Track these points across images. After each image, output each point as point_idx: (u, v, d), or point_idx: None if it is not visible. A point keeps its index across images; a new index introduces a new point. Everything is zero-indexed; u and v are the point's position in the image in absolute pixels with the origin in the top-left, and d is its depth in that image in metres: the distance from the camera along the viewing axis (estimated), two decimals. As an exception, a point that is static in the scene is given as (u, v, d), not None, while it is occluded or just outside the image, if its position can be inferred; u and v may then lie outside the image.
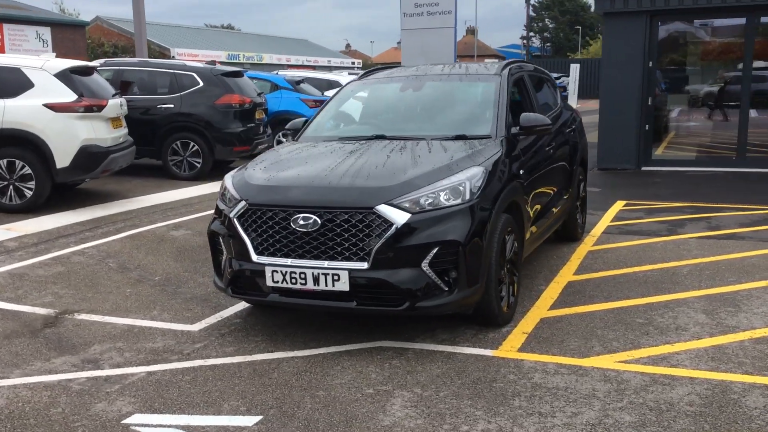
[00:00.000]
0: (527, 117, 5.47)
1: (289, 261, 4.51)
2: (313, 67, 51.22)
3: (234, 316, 5.37)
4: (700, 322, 4.95)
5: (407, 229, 4.31)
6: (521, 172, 5.24)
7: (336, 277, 4.37)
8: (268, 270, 4.54)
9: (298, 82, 15.11)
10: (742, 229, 7.90)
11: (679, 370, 4.16)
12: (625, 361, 4.32)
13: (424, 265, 4.34)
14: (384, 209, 4.34)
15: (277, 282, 4.53)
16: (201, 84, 11.87)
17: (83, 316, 5.47)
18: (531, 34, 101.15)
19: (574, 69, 39.66)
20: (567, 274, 6.21)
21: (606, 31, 12.99)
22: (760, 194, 10.07)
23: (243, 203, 4.71)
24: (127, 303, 5.76)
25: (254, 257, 4.62)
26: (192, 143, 11.83)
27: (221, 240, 4.90)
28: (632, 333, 4.78)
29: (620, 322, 5.00)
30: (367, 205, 4.37)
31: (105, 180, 11.16)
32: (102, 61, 12.43)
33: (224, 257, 4.89)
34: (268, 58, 51.70)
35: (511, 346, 4.60)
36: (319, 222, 4.41)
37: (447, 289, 4.40)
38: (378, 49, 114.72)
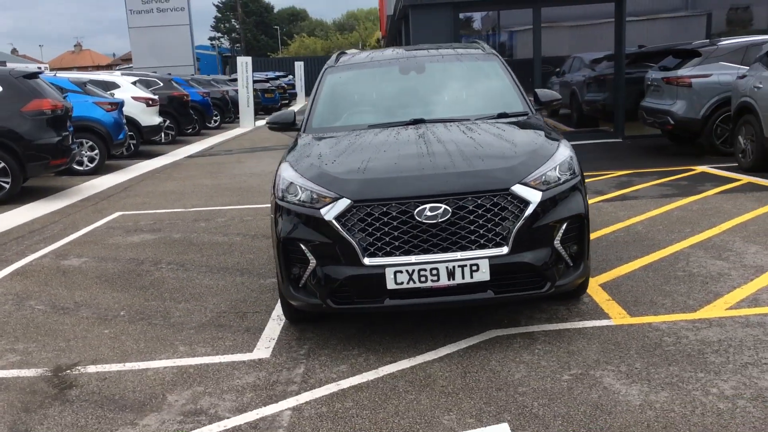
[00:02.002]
0: (544, 93, 5.55)
1: (412, 258, 4.07)
2: None
3: (288, 336, 4.72)
4: (730, 267, 5.45)
5: (541, 207, 4.14)
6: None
7: (474, 268, 4.05)
8: (389, 271, 4.06)
9: (85, 84, 13.37)
10: (622, 191, 8.79)
11: (787, 307, 4.57)
12: (732, 308, 4.62)
13: (556, 243, 4.21)
14: (520, 189, 4.12)
15: (401, 283, 4.07)
16: (0, 89, 9.98)
17: (93, 369, 4.41)
18: (219, 35, 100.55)
19: (299, 67, 40.41)
20: (552, 246, 6.40)
21: (413, 23, 13.47)
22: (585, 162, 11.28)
23: (345, 201, 4.13)
24: (130, 346, 4.75)
25: (365, 260, 4.09)
26: (-4, 160, 9.92)
27: (304, 247, 4.24)
28: (694, 284, 5.11)
29: (670, 277, 5.31)
30: (502, 186, 4.11)
31: None
32: None
33: (310, 267, 4.25)
34: (-61, 67, 44.92)
35: (618, 313, 4.66)
36: (450, 210, 4.05)
37: (572, 264, 4.33)
38: (50, 54, 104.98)
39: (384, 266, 4.07)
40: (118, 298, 5.75)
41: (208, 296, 5.67)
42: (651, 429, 3.22)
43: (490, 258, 4.06)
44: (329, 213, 4.15)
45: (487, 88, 5.63)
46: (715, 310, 4.60)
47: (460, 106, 5.45)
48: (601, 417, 3.35)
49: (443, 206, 4.04)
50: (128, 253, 7.16)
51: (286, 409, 3.70)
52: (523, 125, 4.96)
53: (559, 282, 4.23)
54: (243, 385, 4.03)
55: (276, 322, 5.00)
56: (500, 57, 5.86)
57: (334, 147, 4.73)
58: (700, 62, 11.64)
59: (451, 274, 4.05)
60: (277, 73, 39.15)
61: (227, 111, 24.88)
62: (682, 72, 11.67)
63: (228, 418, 3.66)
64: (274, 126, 5.61)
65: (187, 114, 19.06)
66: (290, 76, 42.76)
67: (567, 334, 4.38)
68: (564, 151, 4.46)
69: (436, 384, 3.84)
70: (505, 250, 4.08)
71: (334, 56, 6.17)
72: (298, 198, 4.34)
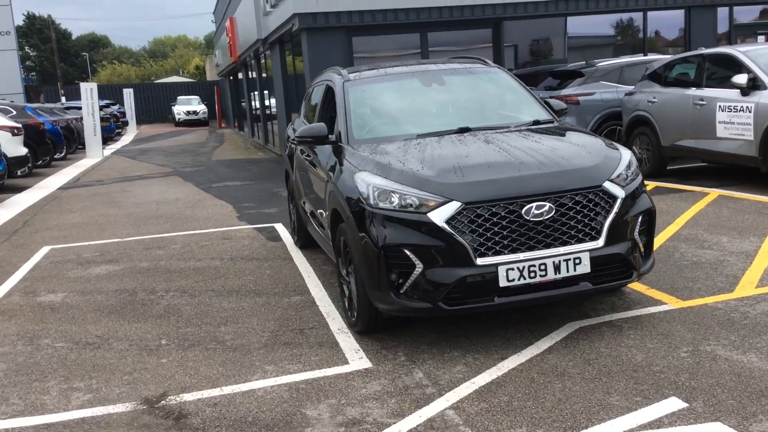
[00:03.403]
0: (556, 102, 5.97)
1: (521, 255, 4.28)
2: None
3: (372, 347, 4.73)
4: (721, 254, 6.13)
5: (625, 202, 4.52)
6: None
7: (577, 261, 4.34)
8: (501, 269, 4.24)
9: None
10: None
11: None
12: (759, 286, 5.24)
13: (635, 235, 4.60)
14: (609, 186, 4.47)
15: (513, 280, 4.27)
16: None
17: (191, 397, 4.19)
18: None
19: (128, 94, 38.63)
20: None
21: (309, 46, 13.59)
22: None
23: (455, 204, 4.26)
24: (206, 371, 4.54)
25: (477, 260, 4.25)
26: None
27: (409, 252, 4.31)
28: (707, 270, 5.72)
29: (680, 266, 5.89)
30: (596, 183, 4.43)
31: None
32: None
33: (416, 271, 4.31)
34: None
35: (669, 299, 5.13)
36: (554, 208, 4.32)
37: (644, 255, 4.74)
38: None
39: (496, 265, 4.24)
40: (144, 329, 5.40)
41: (243, 318, 5.49)
42: (799, 385, 3.66)
43: (590, 251, 4.35)
44: (439, 216, 4.25)
45: (509, 98, 5.96)
46: (748, 289, 5.21)
47: (492, 114, 5.73)
48: (751, 381, 3.74)
49: (548, 204, 4.29)
50: (107, 285, 6.68)
51: (446, 409, 3.75)
52: (571, 131, 5.33)
53: (641, 270, 4.62)
54: (374, 393, 4.01)
55: (343, 335, 4.97)
56: (506, 69, 6.22)
57: (407, 155, 4.81)
58: (583, 82, 12.78)
59: (557, 269, 4.30)
60: (107, 101, 37.20)
61: (73, 140, 23.34)
62: (569, 91, 12.73)
63: (395, 422, 3.64)
64: (307, 140, 5.57)
65: (45, 143, 17.74)
66: (117, 105, 40.80)
67: (645, 319, 4.77)
68: (627, 153, 4.88)
69: (570, 373, 4.06)
70: (600, 242, 4.40)
71: (343, 72, 6.18)
72: (393, 204, 4.39)
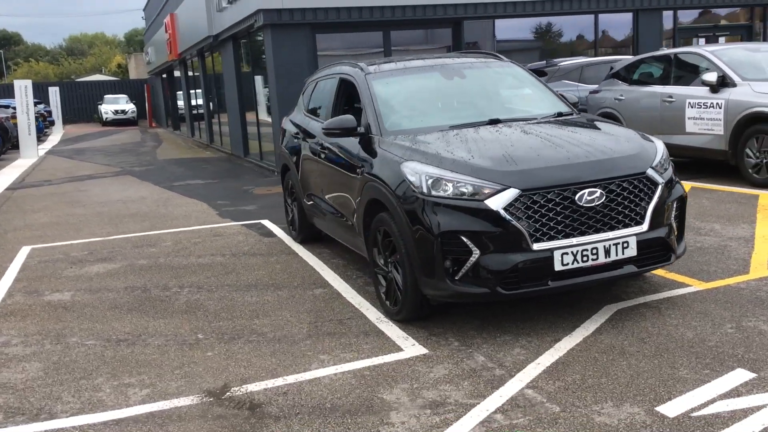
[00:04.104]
0: (569, 95, 6.16)
1: (574, 240, 4.43)
2: None
3: (420, 334, 4.79)
4: (721, 240, 6.45)
5: (665, 188, 4.73)
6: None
7: (625, 245, 4.52)
8: (557, 254, 4.38)
9: None
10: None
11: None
12: (771, 268, 5.57)
13: (671, 220, 4.82)
14: (651, 173, 4.67)
15: (567, 264, 4.41)
16: None
17: (255, 387, 4.16)
18: None
19: (54, 93, 37.29)
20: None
21: (273, 43, 13.46)
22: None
23: (513, 191, 4.36)
24: (258, 363, 4.52)
25: (534, 246, 4.37)
26: None
27: (466, 239, 4.39)
28: (715, 255, 6.00)
29: (689, 252, 6.16)
30: (640, 171, 4.62)
31: None
32: None
33: (473, 257, 4.39)
34: None
35: (692, 281, 5.37)
36: (604, 194, 4.48)
37: (678, 239, 4.96)
38: None
39: (552, 249, 4.37)
40: (174, 324, 5.30)
41: (274, 311, 5.46)
42: None
43: (636, 235, 4.53)
44: (496, 203, 4.34)
45: (528, 91, 6.11)
46: (761, 270, 5.50)
47: (516, 106, 5.87)
48: (804, 351, 3.98)
49: (599, 190, 4.45)
50: (113, 283, 6.51)
51: (523, 388, 3.84)
52: (600, 121, 5.52)
53: (678, 253, 4.83)
54: (444, 377, 4.07)
55: (384, 324, 5.01)
56: (520, 64, 6.38)
57: (450, 145, 4.88)
58: (547, 80, 13.12)
59: (607, 252, 4.47)
60: (33, 100, 35.74)
61: (7, 140, 22.39)
62: (532, 89, 13.04)
63: (478, 402, 3.72)
64: (336, 132, 5.56)
65: (-15, 144, 16.94)
66: (43, 104, 39.24)
67: (678, 300, 4.99)
68: (660, 143, 5.10)
69: (630, 351, 4.22)
70: (645, 227, 4.59)
71: (361, 65, 6.19)
72: (447, 192, 4.46)
